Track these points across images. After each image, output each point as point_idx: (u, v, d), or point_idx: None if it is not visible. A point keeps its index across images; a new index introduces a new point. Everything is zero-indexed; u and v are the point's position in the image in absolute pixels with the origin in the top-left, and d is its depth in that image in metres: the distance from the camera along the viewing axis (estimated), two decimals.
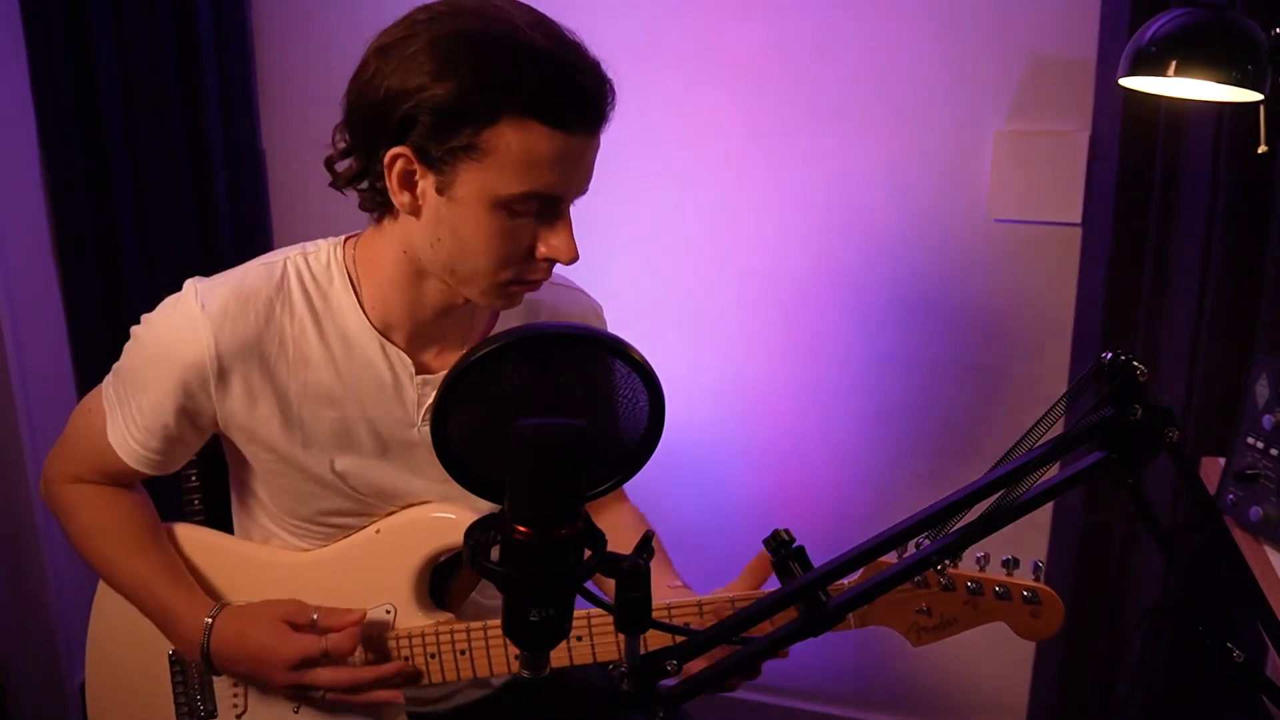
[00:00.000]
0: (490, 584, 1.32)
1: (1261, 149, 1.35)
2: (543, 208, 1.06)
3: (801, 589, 0.84)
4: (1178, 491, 1.75)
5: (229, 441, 1.23)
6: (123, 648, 1.31)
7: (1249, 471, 1.30)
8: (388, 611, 1.24)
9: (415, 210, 1.08)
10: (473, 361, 0.71)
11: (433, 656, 1.23)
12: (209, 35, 2.11)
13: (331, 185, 1.15)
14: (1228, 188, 1.63)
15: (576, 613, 1.17)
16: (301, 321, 1.16)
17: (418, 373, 1.20)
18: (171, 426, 1.18)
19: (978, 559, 1.14)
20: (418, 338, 1.20)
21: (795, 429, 2.12)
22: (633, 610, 0.78)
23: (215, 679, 1.28)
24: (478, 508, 1.15)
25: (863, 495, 2.10)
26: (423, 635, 1.23)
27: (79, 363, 2.24)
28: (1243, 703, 1.61)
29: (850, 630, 1.16)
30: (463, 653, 1.22)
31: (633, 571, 0.77)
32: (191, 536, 1.31)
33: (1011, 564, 1.14)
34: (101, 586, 1.33)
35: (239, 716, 1.28)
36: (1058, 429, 0.84)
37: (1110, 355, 0.83)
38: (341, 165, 1.13)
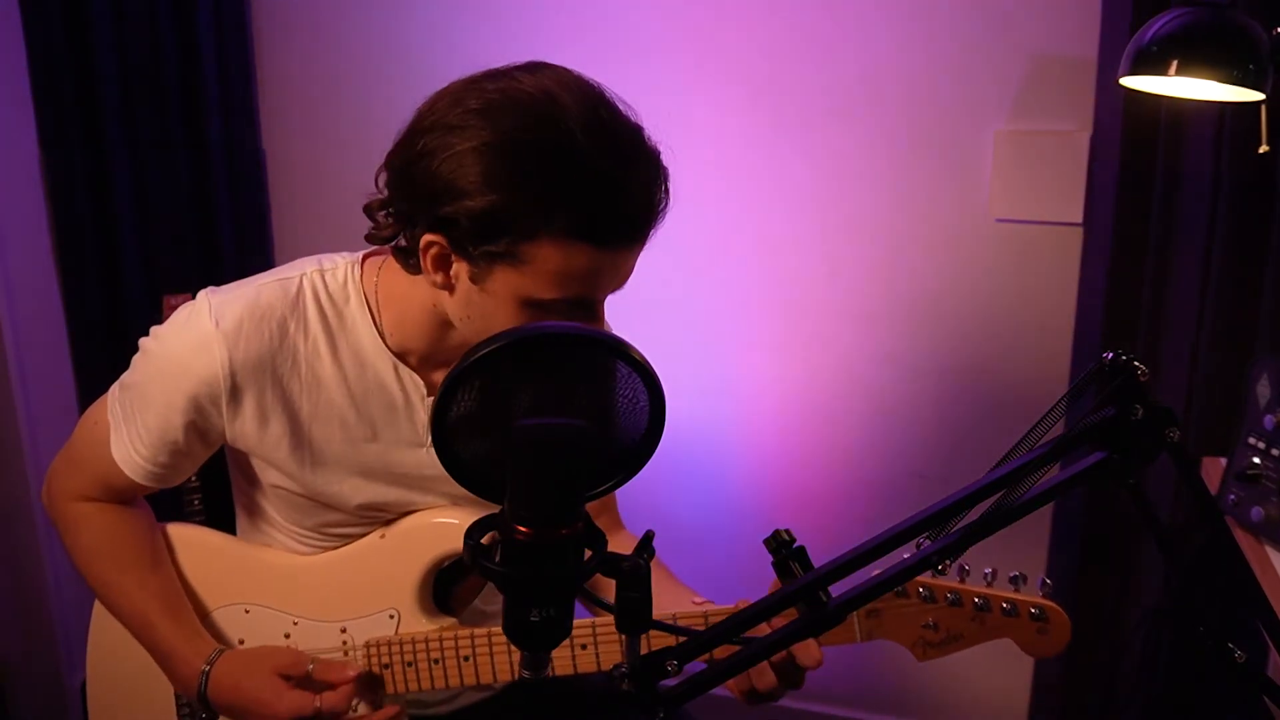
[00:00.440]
0: (492, 593, 1.32)
1: (1263, 149, 1.35)
2: (576, 304, 1.05)
3: (802, 589, 0.84)
4: (1178, 491, 1.75)
5: (235, 452, 1.23)
6: (123, 647, 1.31)
7: (1250, 472, 1.30)
8: (391, 616, 1.24)
9: (448, 288, 1.07)
10: (473, 361, 0.71)
11: (436, 661, 1.22)
12: (209, 35, 2.11)
13: (366, 237, 1.12)
14: (1229, 187, 1.63)
15: (582, 621, 1.17)
16: (315, 340, 1.15)
17: (429, 394, 1.19)
18: (180, 442, 1.17)
19: (985, 575, 1.13)
20: (432, 361, 1.19)
21: (795, 428, 2.12)
22: (633, 610, 0.77)
23: None
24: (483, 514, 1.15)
25: (863, 495, 2.10)
26: (426, 640, 1.22)
27: (78, 363, 2.24)
28: (1244, 703, 1.60)
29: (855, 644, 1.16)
30: (466, 659, 1.22)
31: (633, 571, 0.77)
32: (192, 537, 1.31)
33: (1020, 580, 1.13)
34: None
35: None
36: (1058, 429, 0.84)
37: (1111, 355, 0.83)
38: (380, 214, 1.11)
